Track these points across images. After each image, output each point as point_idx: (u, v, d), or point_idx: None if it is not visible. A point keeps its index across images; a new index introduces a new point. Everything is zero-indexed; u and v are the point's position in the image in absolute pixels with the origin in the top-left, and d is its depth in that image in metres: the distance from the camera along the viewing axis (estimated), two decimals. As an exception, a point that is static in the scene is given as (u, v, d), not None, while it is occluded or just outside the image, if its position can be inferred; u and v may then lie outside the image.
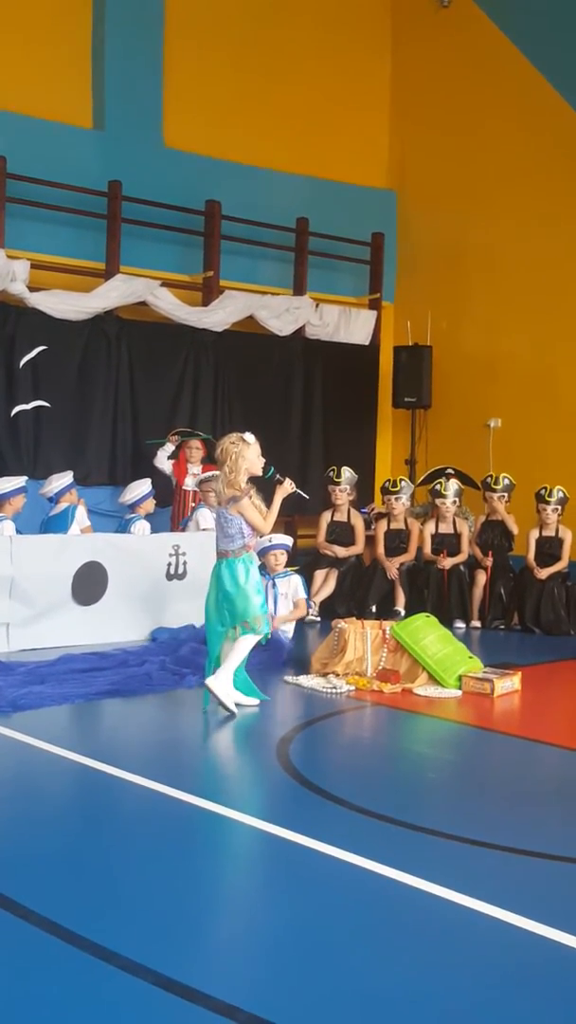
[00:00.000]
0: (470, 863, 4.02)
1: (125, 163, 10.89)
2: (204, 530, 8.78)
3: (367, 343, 12.54)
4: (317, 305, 12.11)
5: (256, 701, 6.37)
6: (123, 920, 3.43)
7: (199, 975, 3.04)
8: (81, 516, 8.81)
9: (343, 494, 9.91)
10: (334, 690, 6.76)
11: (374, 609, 9.44)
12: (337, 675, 6.98)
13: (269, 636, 6.59)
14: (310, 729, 5.97)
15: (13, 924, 3.36)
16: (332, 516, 9.97)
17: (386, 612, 9.34)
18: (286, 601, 8.09)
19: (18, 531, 8.25)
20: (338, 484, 9.90)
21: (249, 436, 6.21)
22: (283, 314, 11.78)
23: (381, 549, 9.75)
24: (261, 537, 6.88)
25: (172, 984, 2.99)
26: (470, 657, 7.15)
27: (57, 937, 3.27)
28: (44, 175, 10.27)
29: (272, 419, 11.42)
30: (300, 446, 11.97)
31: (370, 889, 3.74)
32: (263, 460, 6.26)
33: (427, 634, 7.15)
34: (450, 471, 10.32)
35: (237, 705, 6.16)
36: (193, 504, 9.86)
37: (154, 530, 9.04)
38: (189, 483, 10.17)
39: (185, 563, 8.32)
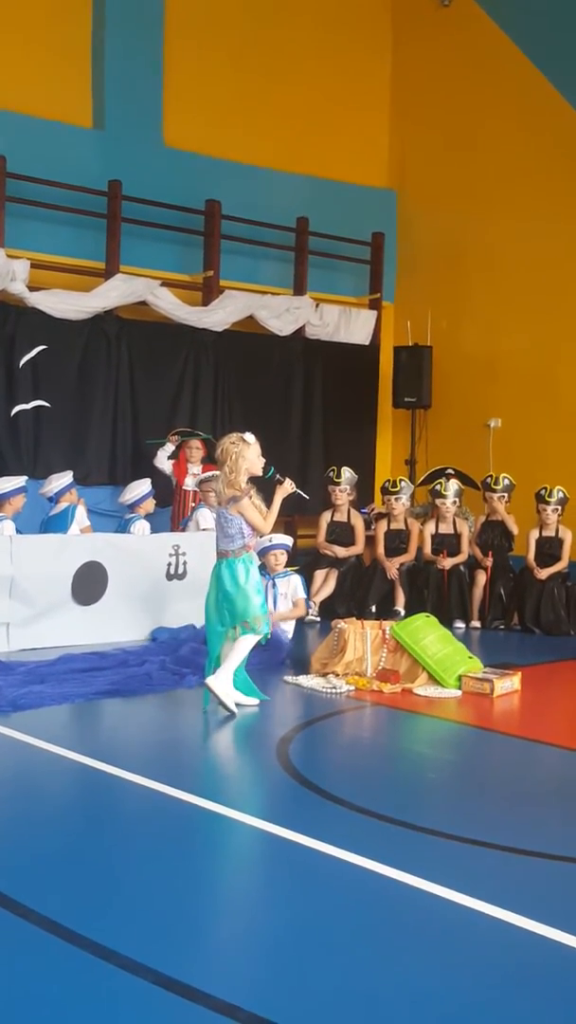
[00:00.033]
0: (470, 863, 4.02)
1: (125, 162, 10.90)
2: (204, 530, 8.78)
3: (367, 343, 12.54)
4: (317, 305, 12.11)
5: (256, 701, 6.37)
6: (123, 919, 3.43)
7: (199, 974, 3.04)
8: (81, 516, 8.81)
9: (343, 494, 9.91)
10: (334, 690, 6.76)
11: (374, 609, 9.44)
12: (337, 675, 6.98)
13: (269, 636, 6.58)
14: (310, 729, 5.97)
15: (13, 923, 3.36)
16: (332, 516, 9.97)
17: (386, 612, 9.34)
18: (286, 601, 8.09)
19: (18, 531, 8.25)
20: (338, 484, 9.90)
21: (249, 436, 6.21)
22: (283, 314, 11.78)
23: (381, 549, 9.75)
24: (261, 537, 6.89)
25: (172, 983, 2.99)
26: (470, 657, 7.15)
27: (57, 936, 3.27)
28: (44, 174, 10.27)
29: (272, 419, 11.42)
30: (300, 446, 11.97)
31: (370, 889, 3.74)
32: (263, 460, 6.26)
33: (427, 634, 7.15)
34: (450, 471, 10.31)
35: (237, 705, 6.16)
36: (193, 504, 9.86)
37: (154, 530, 9.04)
38: (189, 483, 10.17)
39: (185, 563, 8.32)
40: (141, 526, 8.98)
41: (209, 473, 9.24)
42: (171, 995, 2.94)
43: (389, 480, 10.14)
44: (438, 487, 9.80)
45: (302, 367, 12.03)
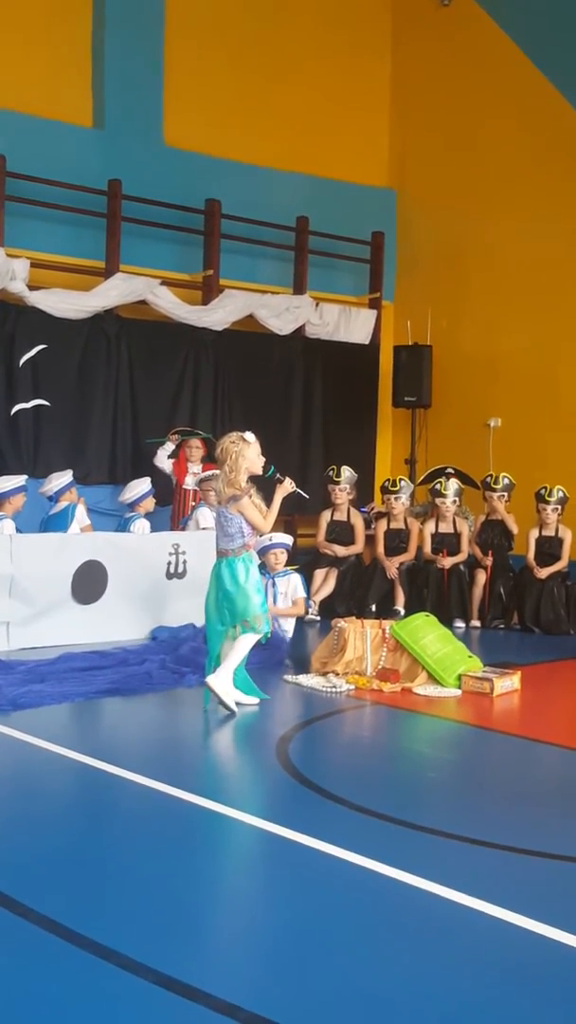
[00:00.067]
0: (470, 862, 4.02)
1: (125, 162, 10.90)
2: (204, 529, 8.78)
3: (367, 342, 12.54)
4: (317, 304, 12.11)
5: (256, 700, 6.37)
6: (123, 918, 3.43)
7: (199, 974, 3.04)
8: (81, 515, 8.81)
9: (343, 493, 9.92)
10: (334, 689, 6.77)
11: (374, 608, 9.44)
12: (337, 674, 6.98)
13: (269, 635, 6.59)
14: (310, 728, 5.97)
15: (13, 922, 3.36)
16: (332, 515, 9.97)
17: (386, 611, 9.35)
18: (286, 600, 8.09)
19: (18, 530, 8.25)
20: (338, 483, 9.90)
21: (249, 435, 6.21)
22: (283, 313, 11.78)
23: (381, 548, 9.75)
24: (261, 536, 6.88)
25: (172, 983, 2.99)
26: (470, 656, 7.15)
27: (57, 935, 3.27)
28: (44, 174, 10.28)
29: (272, 418, 11.42)
30: (300, 445, 11.97)
31: (370, 888, 3.74)
32: (263, 459, 6.26)
33: (427, 633, 7.15)
34: (450, 470, 10.31)
35: (237, 704, 6.16)
36: (193, 503, 9.87)
37: (154, 529, 9.04)
38: (189, 482, 10.17)
39: (185, 562, 8.32)
40: (141, 525, 8.98)
41: (209, 472, 9.24)
42: (171, 994, 2.94)
43: (389, 479, 10.15)
44: (438, 486, 9.81)
45: (302, 366, 12.03)
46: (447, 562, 9.49)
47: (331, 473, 10.02)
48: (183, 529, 9.32)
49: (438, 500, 9.74)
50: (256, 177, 11.90)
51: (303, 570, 9.00)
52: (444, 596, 9.42)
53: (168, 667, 6.92)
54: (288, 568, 8.23)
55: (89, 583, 7.86)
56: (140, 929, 3.34)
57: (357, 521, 9.97)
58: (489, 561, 9.50)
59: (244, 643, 6.24)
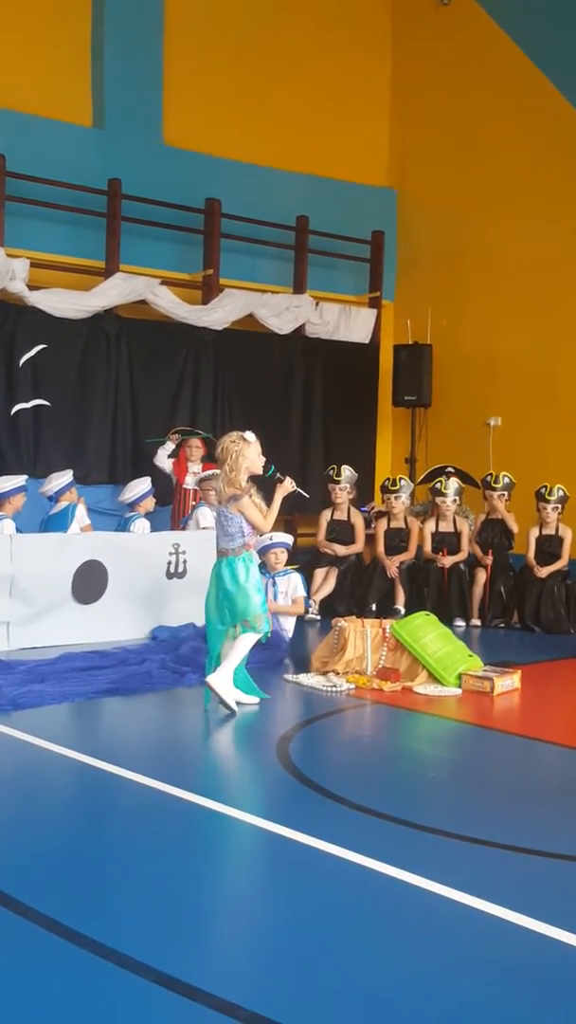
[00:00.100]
0: (470, 861, 4.02)
1: (125, 161, 10.89)
2: (204, 528, 8.78)
3: (367, 341, 12.54)
4: (317, 303, 12.10)
5: (256, 699, 6.37)
6: (123, 918, 3.43)
7: (199, 973, 3.04)
8: (81, 515, 8.81)
9: (343, 492, 9.92)
10: (334, 688, 6.77)
11: (374, 607, 9.44)
12: (337, 673, 6.98)
13: (269, 635, 6.59)
14: (310, 727, 5.97)
15: (13, 922, 3.36)
16: (332, 515, 9.97)
17: (386, 610, 9.34)
18: (286, 599, 8.09)
19: (18, 530, 8.25)
20: (338, 482, 9.90)
21: (249, 435, 6.21)
22: (283, 312, 11.78)
23: (381, 547, 9.75)
24: (261, 536, 6.88)
25: (172, 982, 2.99)
26: (470, 655, 7.15)
27: (57, 935, 3.27)
28: (44, 173, 10.27)
29: (272, 418, 11.42)
30: (300, 445, 11.97)
31: (370, 887, 3.74)
32: (263, 459, 6.26)
33: (427, 632, 7.15)
34: (450, 469, 10.30)
35: (237, 703, 6.16)
36: (193, 503, 9.87)
37: (154, 528, 9.04)
38: (189, 481, 10.17)
39: (185, 561, 8.32)
40: (141, 525, 8.98)
41: (209, 472, 9.24)
42: (171, 994, 2.94)
43: (389, 478, 10.15)
44: (438, 485, 9.81)
45: (302, 365, 12.03)
46: (447, 561, 9.49)
47: (331, 472, 10.02)
48: (183, 529, 9.32)
49: (438, 499, 9.75)
50: (256, 177, 11.90)
51: (303, 569, 9.00)
52: (444, 595, 9.42)
53: (168, 667, 6.92)
54: (288, 567, 8.23)
55: (89, 583, 7.86)
56: (140, 928, 3.35)
57: (357, 520, 9.97)
58: (489, 560, 9.50)
59: (244, 643, 6.24)
